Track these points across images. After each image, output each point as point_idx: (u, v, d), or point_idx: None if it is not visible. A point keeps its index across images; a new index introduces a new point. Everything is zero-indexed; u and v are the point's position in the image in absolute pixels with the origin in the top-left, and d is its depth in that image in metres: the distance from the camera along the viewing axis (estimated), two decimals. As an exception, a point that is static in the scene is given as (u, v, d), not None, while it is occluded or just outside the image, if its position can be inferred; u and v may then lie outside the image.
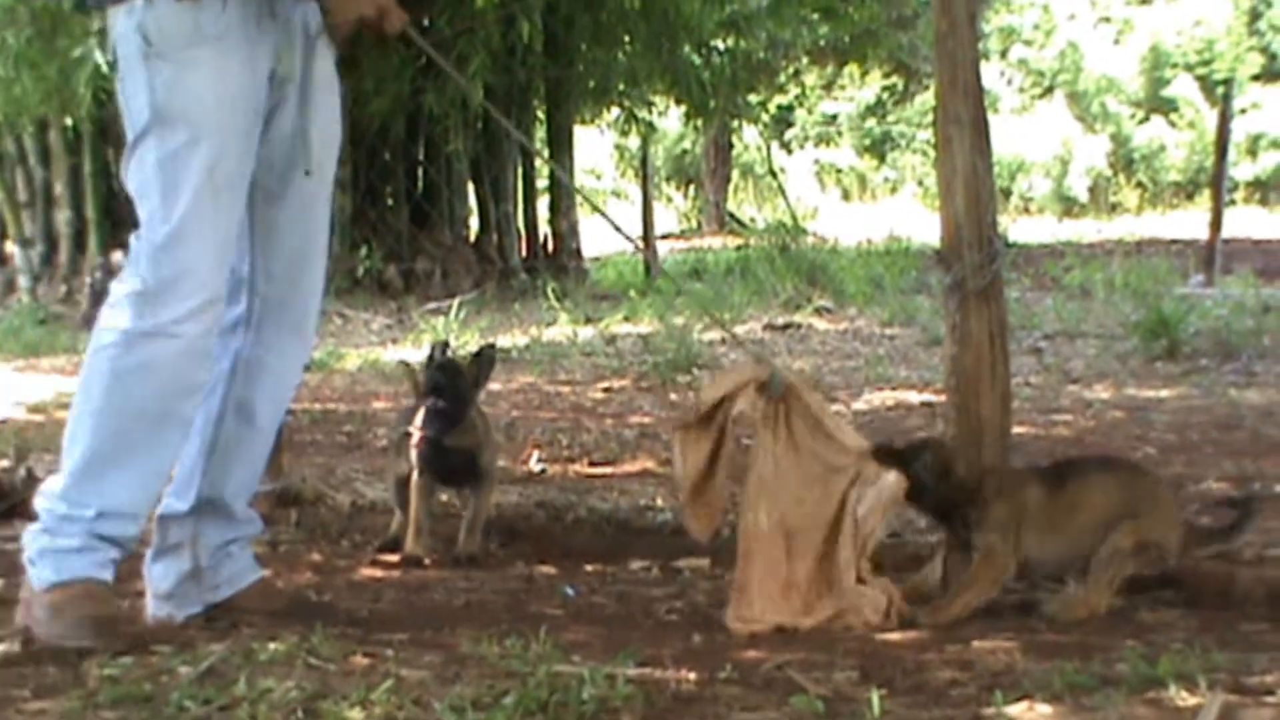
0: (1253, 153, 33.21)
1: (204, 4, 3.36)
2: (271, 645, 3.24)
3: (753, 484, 3.71)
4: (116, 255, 15.04)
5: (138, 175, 3.42)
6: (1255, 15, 36.63)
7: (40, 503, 3.41)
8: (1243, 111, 31.04)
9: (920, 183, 34.45)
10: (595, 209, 4.85)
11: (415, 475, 4.59)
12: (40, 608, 3.34)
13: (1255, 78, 35.19)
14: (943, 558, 3.91)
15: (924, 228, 19.09)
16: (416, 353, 11.15)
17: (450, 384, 4.57)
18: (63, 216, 15.64)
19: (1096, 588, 3.69)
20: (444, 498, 4.93)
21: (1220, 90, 22.75)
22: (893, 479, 3.67)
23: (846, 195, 35.42)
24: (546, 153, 18.17)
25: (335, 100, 3.68)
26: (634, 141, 24.65)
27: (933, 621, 3.62)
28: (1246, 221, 23.55)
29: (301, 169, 3.59)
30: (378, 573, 4.15)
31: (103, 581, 3.39)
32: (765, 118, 25.89)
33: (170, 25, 3.36)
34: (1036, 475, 3.94)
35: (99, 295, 15.09)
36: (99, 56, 11.52)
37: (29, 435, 6.58)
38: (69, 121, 15.01)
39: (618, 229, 4.24)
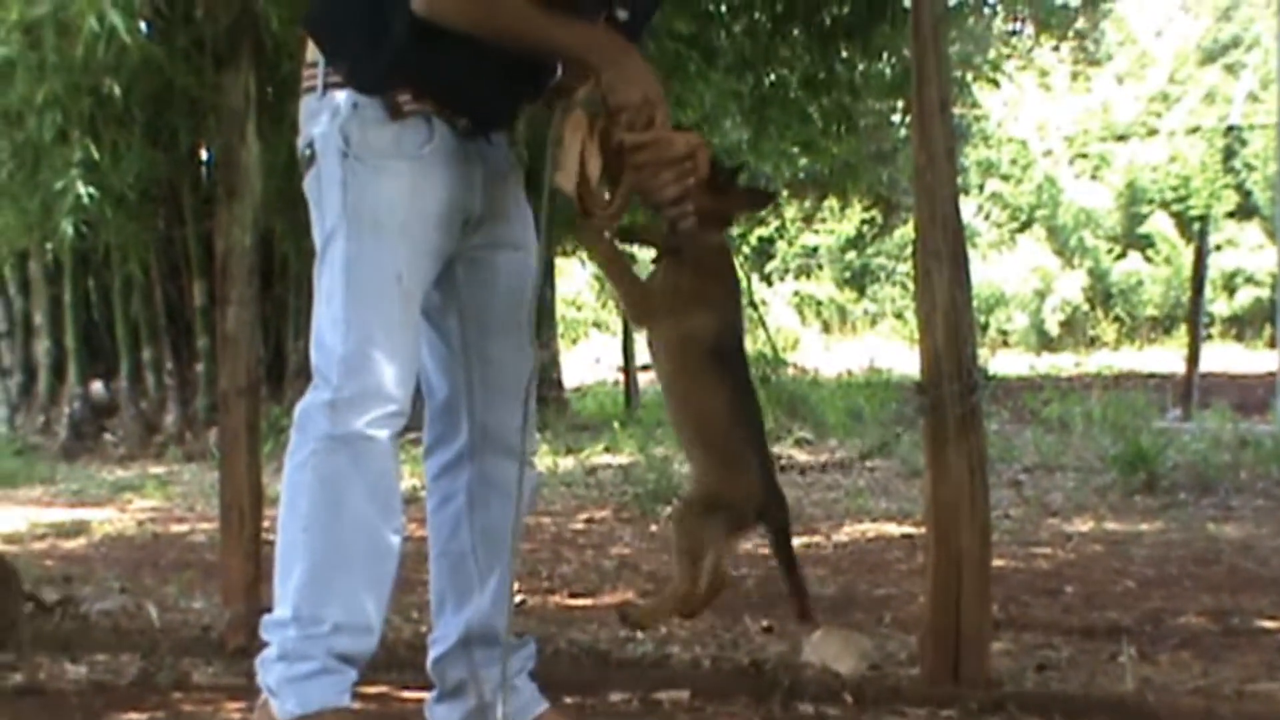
0: (1229, 289, 33.50)
1: (408, 123, 3.33)
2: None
3: None
4: (95, 385, 15.00)
5: (325, 278, 3.34)
6: (1230, 153, 37.09)
7: (271, 634, 3.30)
8: (1218, 248, 31.35)
9: (899, 315, 34.63)
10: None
11: None
12: None
13: (1230, 215, 35.55)
14: None
15: (903, 360, 19.14)
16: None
17: None
18: (42, 346, 15.46)
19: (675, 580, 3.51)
20: None
21: (1196, 227, 22.95)
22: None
23: (827, 327, 35.60)
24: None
25: (527, 223, 3.64)
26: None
27: None
28: (1223, 357, 23.70)
29: (516, 312, 3.58)
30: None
31: (347, 709, 3.28)
32: (746, 250, 26.05)
33: (373, 134, 3.32)
34: None
35: (78, 426, 15.08)
36: (81, 189, 11.52)
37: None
38: (49, 252, 14.96)
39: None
